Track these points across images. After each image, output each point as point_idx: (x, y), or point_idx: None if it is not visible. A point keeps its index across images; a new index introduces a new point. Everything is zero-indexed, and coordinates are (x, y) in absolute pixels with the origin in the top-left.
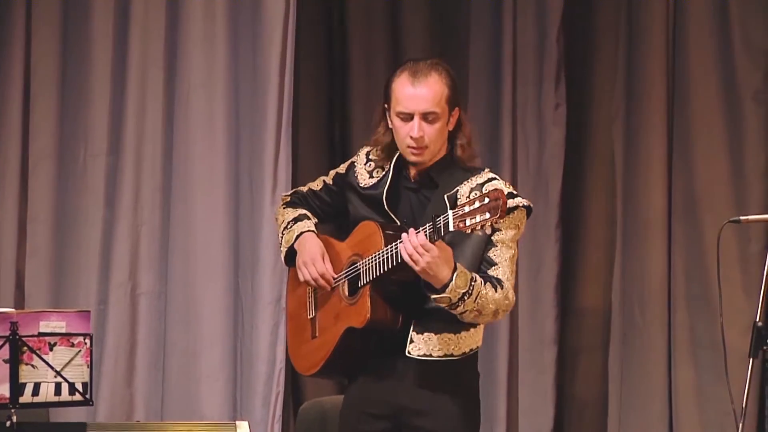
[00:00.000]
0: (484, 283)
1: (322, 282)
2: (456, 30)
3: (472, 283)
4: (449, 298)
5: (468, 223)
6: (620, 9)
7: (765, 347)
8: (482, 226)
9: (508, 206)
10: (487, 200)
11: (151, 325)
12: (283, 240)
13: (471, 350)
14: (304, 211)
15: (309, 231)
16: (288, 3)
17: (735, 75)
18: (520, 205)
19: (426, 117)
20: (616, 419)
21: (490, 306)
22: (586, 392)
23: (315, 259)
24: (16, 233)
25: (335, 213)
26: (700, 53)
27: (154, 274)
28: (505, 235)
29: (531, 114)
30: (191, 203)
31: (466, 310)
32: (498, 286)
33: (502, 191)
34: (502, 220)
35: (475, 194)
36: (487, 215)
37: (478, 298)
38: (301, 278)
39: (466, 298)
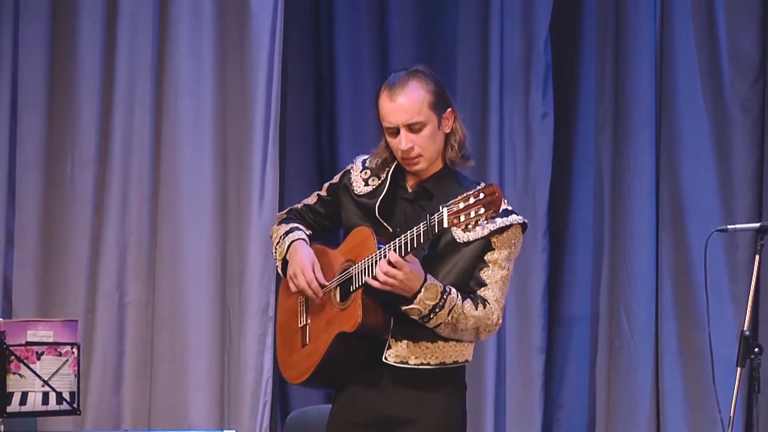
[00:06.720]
0: (463, 299)
1: (310, 293)
2: (443, 38)
3: (444, 296)
4: (419, 309)
5: (462, 219)
6: (608, 18)
7: (752, 356)
8: (477, 222)
9: (502, 225)
10: (482, 195)
11: (138, 334)
12: (277, 254)
13: (455, 362)
14: (295, 224)
15: (299, 239)
16: (275, 12)
17: (722, 84)
18: (515, 222)
19: (411, 127)
20: (604, 428)
21: (468, 321)
22: (573, 401)
23: (304, 268)
24: (4, 242)
25: (331, 224)
26: (688, 62)
27: (141, 284)
28: (498, 255)
29: (518, 123)
30: (179, 213)
31: (440, 323)
32: (481, 305)
33: (497, 187)
34: (496, 239)
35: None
36: (482, 210)
37: (452, 311)
38: (293, 288)
39: (437, 310)
